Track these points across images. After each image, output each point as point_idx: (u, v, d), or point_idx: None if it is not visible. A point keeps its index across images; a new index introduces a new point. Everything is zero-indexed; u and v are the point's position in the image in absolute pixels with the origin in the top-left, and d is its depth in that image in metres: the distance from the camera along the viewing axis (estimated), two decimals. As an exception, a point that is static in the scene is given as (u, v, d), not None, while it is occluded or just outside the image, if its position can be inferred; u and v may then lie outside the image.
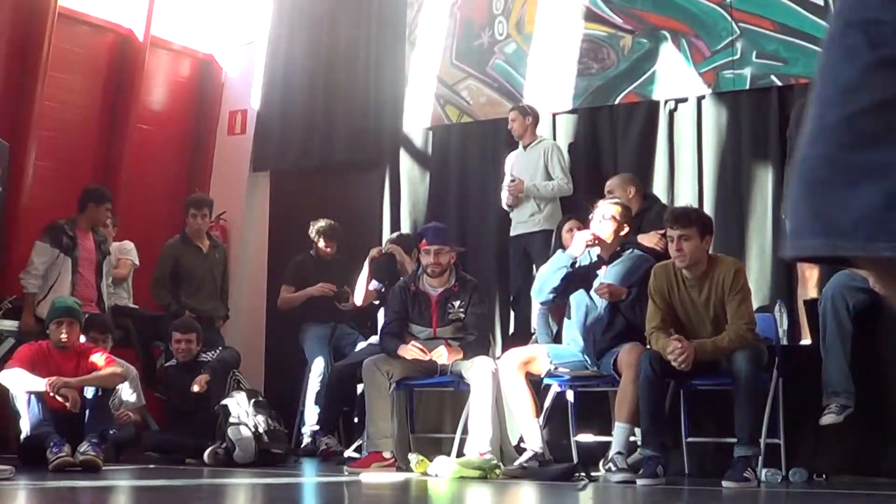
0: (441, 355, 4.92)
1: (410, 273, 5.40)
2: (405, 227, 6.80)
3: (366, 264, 5.97)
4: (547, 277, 4.77)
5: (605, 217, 4.70)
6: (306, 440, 5.92)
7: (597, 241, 4.61)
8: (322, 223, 6.41)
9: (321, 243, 6.40)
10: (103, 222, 6.15)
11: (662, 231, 4.99)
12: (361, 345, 5.90)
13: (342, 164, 7.22)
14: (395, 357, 5.03)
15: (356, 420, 5.78)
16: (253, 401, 5.29)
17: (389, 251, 5.94)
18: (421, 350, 4.93)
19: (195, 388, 5.48)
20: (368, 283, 5.92)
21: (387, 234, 6.84)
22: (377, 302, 5.97)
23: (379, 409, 4.96)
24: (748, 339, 4.26)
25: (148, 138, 7.20)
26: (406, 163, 6.98)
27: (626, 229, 4.77)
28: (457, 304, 5.12)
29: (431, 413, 5.70)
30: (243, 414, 5.20)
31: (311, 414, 5.94)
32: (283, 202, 7.54)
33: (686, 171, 5.89)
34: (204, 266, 6.29)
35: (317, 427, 5.83)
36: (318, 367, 6.03)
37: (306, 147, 7.32)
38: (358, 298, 6.03)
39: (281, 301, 6.43)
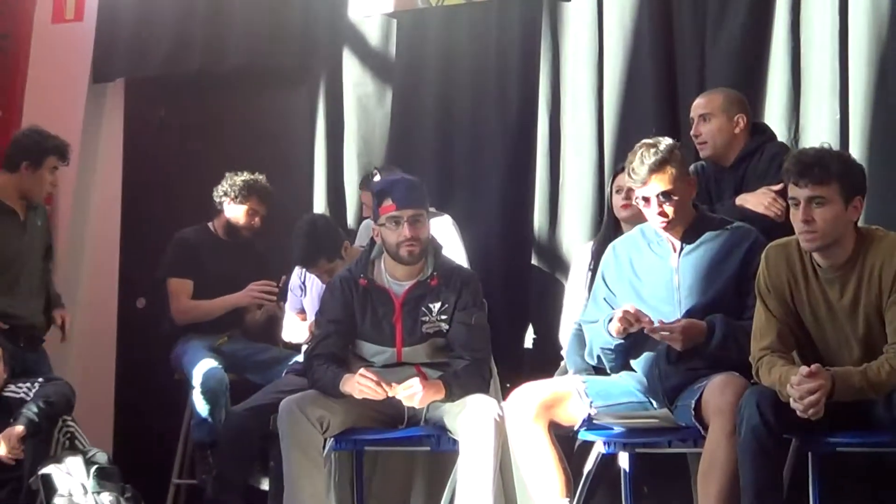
0: (412, 393, 4.91)
1: (357, 258, 5.37)
2: (352, 174, 6.80)
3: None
4: (594, 345, 4.87)
5: (647, 203, 4.71)
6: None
7: (636, 322, 4.61)
8: (247, 179, 6.47)
9: (236, 214, 6.45)
10: None
11: (778, 186, 4.96)
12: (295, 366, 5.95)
13: (247, 72, 7.20)
14: (333, 395, 5.02)
15: (269, 500, 5.75)
16: (94, 469, 5.26)
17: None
18: (377, 384, 4.92)
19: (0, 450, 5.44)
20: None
21: (321, 189, 6.83)
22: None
23: (306, 481, 4.98)
24: (922, 370, 4.25)
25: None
26: (353, 71, 6.97)
27: (690, 190, 4.77)
28: (436, 307, 5.16)
29: (394, 488, 5.70)
30: (77, 490, 5.18)
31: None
32: (146, 134, 7.48)
33: (819, 84, 5.86)
34: (19, 243, 6.22)
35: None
36: (202, 370, 6.09)
37: (184, 42, 7.26)
38: (292, 331, 6.09)
39: (180, 309, 6.50)
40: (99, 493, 5.22)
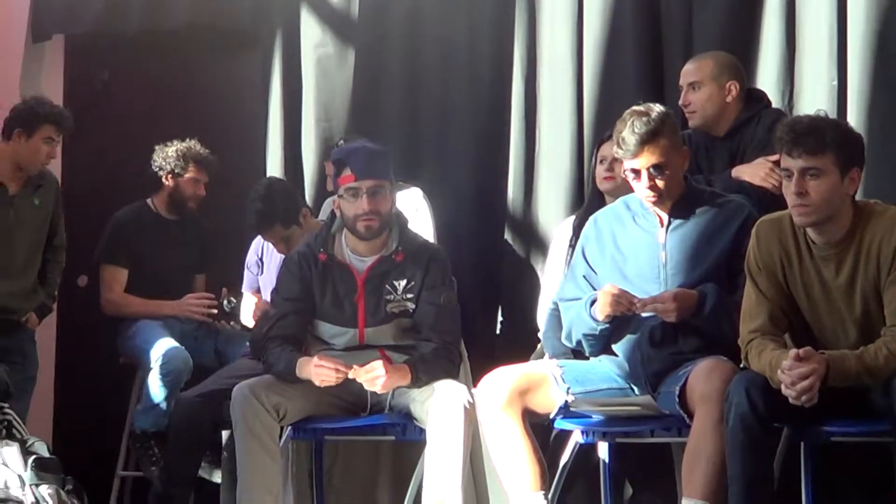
0: (374, 377, 4.91)
1: (318, 230, 5.36)
2: (310, 143, 6.79)
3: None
4: (573, 329, 4.86)
5: (637, 176, 4.69)
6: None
7: (633, 306, 4.64)
8: (179, 147, 6.45)
9: (179, 188, 6.45)
10: None
11: (775, 157, 4.98)
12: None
13: (196, 32, 7.17)
14: (290, 380, 5.02)
15: (221, 492, 5.78)
16: (32, 459, 5.21)
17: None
18: (336, 370, 4.91)
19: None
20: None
21: (277, 159, 6.81)
22: None
23: (260, 473, 4.98)
24: (921, 353, 4.27)
25: None
26: (312, 30, 6.95)
27: (683, 161, 4.77)
28: (401, 284, 5.15)
29: (357, 479, 5.70)
30: (13, 482, 5.11)
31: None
32: (88, 98, 7.44)
33: (816, 47, 5.85)
34: (7, 219, 6.19)
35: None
36: (163, 350, 6.07)
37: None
38: (247, 313, 6.07)
39: (110, 300, 6.49)
40: (38, 485, 5.15)
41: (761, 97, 5.55)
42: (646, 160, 4.64)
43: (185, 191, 6.47)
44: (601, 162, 5.45)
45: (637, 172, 4.67)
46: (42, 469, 5.21)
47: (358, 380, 4.91)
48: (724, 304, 4.61)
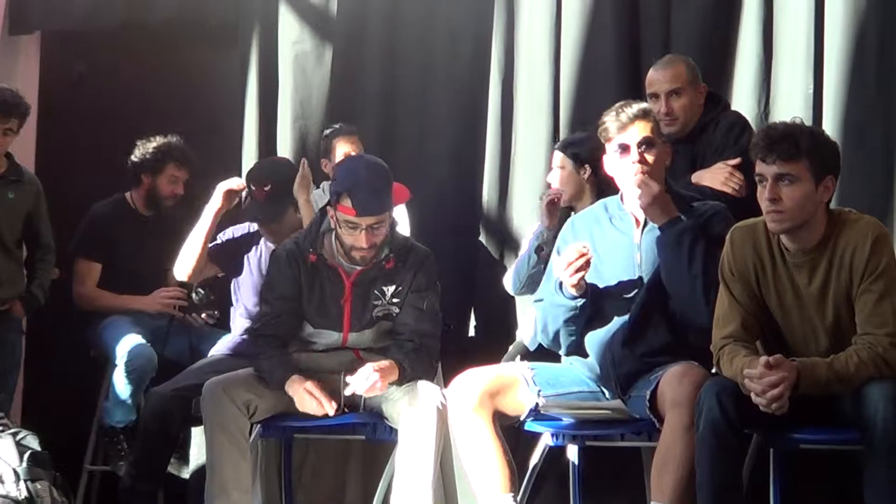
0: (368, 383, 4.87)
1: (306, 229, 5.31)
2: (286, 140, 6.78)
3: (216, 199, 5.86)
4: (549, 322, 4.82)
5: (625, 151, 4.69)
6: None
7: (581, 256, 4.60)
8: (159, 144, 6.42)
9: (155, 185, 6.42)
10: None
11: (735, 161, 4.99)
12: (222, 345, 5.90)
13: (174, 27, 7.17)
14: (274, 389, 5.00)
15: (189, 489, 5.80)
16: (28, 454, 5.14)
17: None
18: (321, 405, 4.93)
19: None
20: (209, 236, 5.80)
21: (251, 156, 6.80)
22: (221, 274, 5.95)
23: (230, 469, 4.97)
24: (891, 362, 4.26)
25: None
26: (290, 27, 6.95)
27: (666, 156, 4.78)
28: (390, 290, 5.13)
29: (327, 478, 5.69)
30: (7, 476, 5.04)
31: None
32: (63, 91, 7.42)
33: (793, 55, 5.87)
34: None
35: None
36: (128, 347, 6.01)
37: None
38: (182, 268, 5.88)
39: (81, 294, 6.46)
40: (32, 480, 5.10)
41: (719, 100, 5.55)
42: (636, 133, 4.67)
43: (161, 189, 6.41)
44: (562, 167, 5.44)
45: (626, 147, 4.68)
46: (36, 464, 5.17)
47: (357, 392, 4.88)
48: (701, 238, 4.62)
